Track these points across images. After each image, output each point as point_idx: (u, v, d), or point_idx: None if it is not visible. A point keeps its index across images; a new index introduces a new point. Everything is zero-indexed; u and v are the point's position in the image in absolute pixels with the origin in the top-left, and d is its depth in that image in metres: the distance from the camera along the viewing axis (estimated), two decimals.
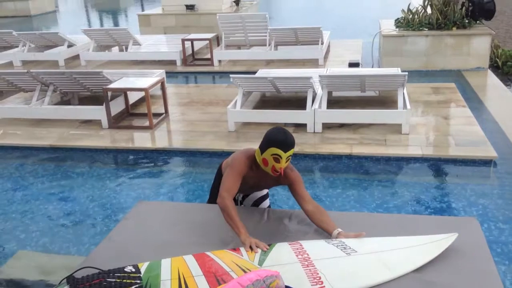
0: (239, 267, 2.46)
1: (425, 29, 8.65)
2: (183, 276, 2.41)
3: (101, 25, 18.58)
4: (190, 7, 12.68)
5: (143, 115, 6.53)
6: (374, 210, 4.26)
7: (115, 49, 10.63)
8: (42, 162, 5.68)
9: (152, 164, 5.46)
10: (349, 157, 5.26)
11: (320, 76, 6.02)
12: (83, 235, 4.11)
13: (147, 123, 6.27)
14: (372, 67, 8.98)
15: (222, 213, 2.70)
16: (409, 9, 9.17)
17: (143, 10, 20.46)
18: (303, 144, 5.52)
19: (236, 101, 6.13)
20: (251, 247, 2.54)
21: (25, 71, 6.73)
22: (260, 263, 2.49)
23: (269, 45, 9.54)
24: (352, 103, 6.48)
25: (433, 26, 8.62)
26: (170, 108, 6.78)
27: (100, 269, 2.44)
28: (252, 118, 6.11)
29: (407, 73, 5.92)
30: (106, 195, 4.80)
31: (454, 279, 2.34)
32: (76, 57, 10.25)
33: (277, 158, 2.67)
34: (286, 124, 5.94)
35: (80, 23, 17.48)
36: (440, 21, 8.59)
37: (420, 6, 9.13)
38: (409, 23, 8.86)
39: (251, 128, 6.02)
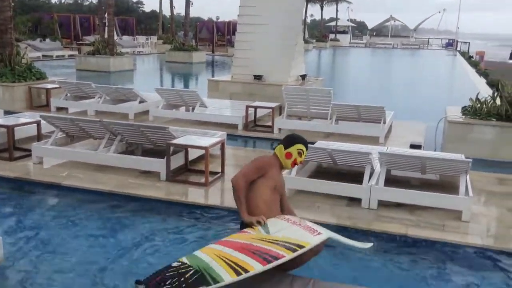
0: (257, 239, 3.18)
1: (493, 119, 8.46)
2: (221, 255, 2.99)
3: (173, 86, 19.62)
4: (258, 77, 13.19)
5: (200, 172, 6.69)
6: None
7: (182, 108, 11.12)
8: (98, 205, 5.86)
9: (202, 220, 5.49)
10: (404, 238, 5.05)
11: (380, 153, 5.96)
12: (125, 282, 4.13)
13: (203, 180, 6.39)
14: (435, 151, 8.79)
15: (232, 190, 3.49)
16: (477, 98, 9.05)
17: (213, 76, 21.53)
18: (355, 218, 5.38)
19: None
20: (259, 222, 3.37)
21: (98, 120, 7.15)
22: (268, 232, 3.29)
23: (330, 118, 9.65)
24: (411, 184, 6.31)
25: (501, 117, 8.43)
26: (226, 168, 6.89)
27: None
28: (306, 187, 6.07)
29: (471, 159, 5.74)
30: (152, 245, 4.85)
31: None
32: (146, 112, 10.80)
33: (300, 153, 3.58)
34: (340, 197, 5.86)
35: (153, 83, 18.55)
36: (510, 112, 8.39)
37: (489, 97, 8.99)
38: (476, 111, 8.72)
39: (303, 197, 5.97)
